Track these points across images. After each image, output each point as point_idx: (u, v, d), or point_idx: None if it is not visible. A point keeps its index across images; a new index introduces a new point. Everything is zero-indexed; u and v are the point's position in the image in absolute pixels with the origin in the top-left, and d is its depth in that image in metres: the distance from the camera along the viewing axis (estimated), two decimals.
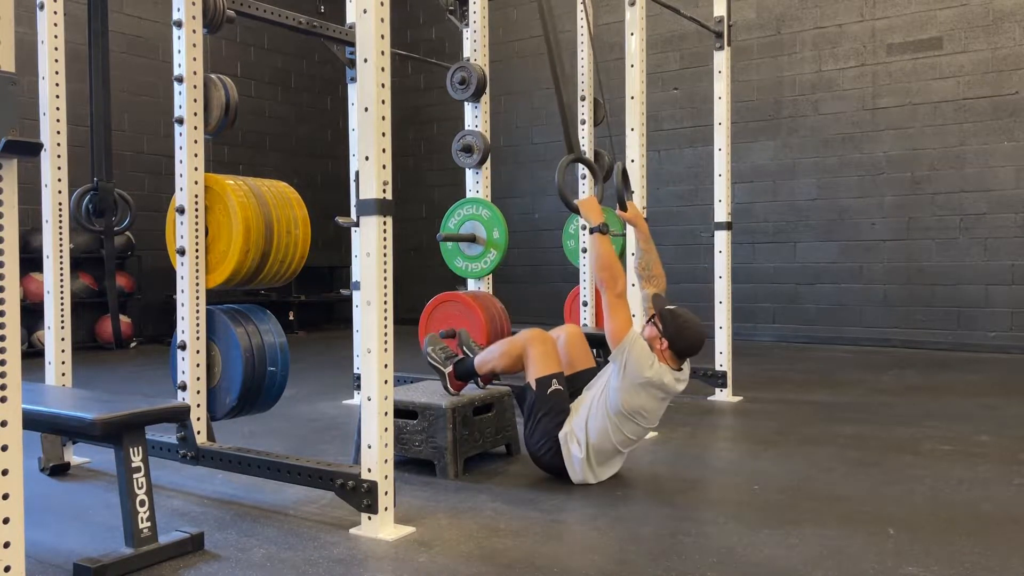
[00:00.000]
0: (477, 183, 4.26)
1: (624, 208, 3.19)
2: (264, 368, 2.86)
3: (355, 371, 4.43)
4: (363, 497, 2.37)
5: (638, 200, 3.68)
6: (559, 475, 2.95)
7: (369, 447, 2.35)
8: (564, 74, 3.23)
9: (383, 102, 2.33)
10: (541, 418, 2.95)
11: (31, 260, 5.97)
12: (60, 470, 3.06)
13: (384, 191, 2.34)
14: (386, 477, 2.36)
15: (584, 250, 4.90)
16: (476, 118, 4.27)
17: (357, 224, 3.08)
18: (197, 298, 2.84)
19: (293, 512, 2.61)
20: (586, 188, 4.71)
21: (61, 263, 3.13)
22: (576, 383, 3.10)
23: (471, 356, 3.25)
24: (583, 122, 5.19)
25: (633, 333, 2.85)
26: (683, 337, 2.90)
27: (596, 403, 2.90)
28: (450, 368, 3.22)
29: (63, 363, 3.12)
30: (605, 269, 2.86)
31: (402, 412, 3.09)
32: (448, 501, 2.72)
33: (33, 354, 5.83)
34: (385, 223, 2.35)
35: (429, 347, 3.28)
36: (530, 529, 2.43)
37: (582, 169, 4.64)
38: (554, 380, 3.00)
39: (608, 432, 2.86)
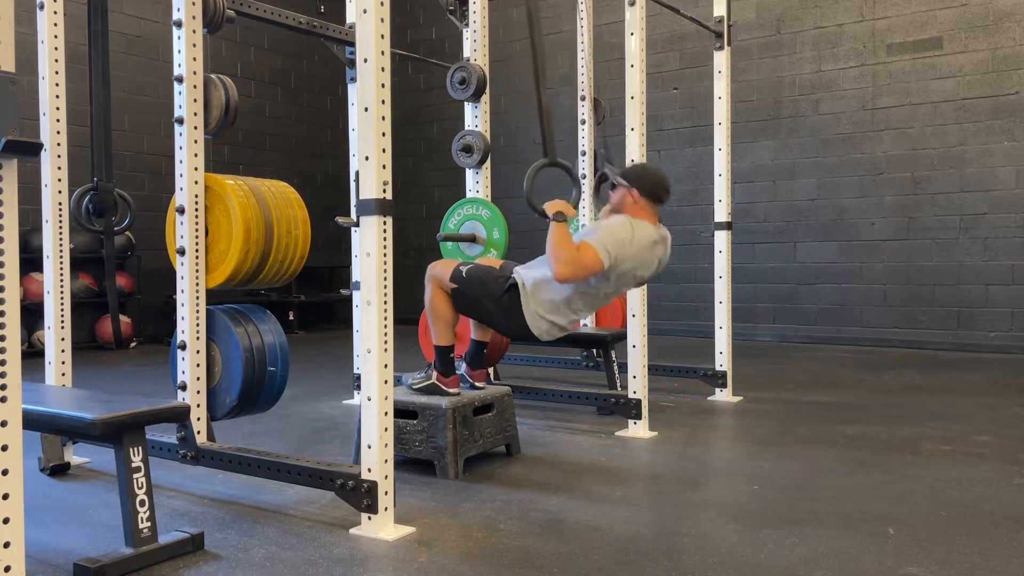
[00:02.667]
0: (477, 183, 4.26)
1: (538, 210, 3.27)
2: (264, 368, 2.86)
3: (355, 371, 4.43)
4: (363, 497, 2.37)
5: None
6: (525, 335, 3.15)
7: (369, 447, 2.36)
8: (544, 79, 3.29)
9: (383, 102, 2.34)
10: (486, 295, 3.12)
11: (31, 260, 5.97)
12: (60, 470, 3.06)
13: (384, 191, 2.34)
14: (386, 477, 2.36)
15: None
16: (476, 118, 4.27)
17: (357, 224, 3.07)
18: (197, 298, 2.84)
19: (293, 512, 2.61)
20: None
21: (61, 263, 3.13)
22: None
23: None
24: (583, 122, 5.21)
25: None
26: (647, 177, 3.11)
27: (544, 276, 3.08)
28: (433, 374, 3.23)
29: (63, 363, 3.12)
30: (553, 252, 2.99)
31: (402, 412, 3.09)
32: (448, 501, 2.72)
33: (33, 354, 5.83)
34: (385, 223, 2.35)
35: (408, 381, 3.28)
36: (530, 529, 2.43)
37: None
38: (459, 269, 3.19)
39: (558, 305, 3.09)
